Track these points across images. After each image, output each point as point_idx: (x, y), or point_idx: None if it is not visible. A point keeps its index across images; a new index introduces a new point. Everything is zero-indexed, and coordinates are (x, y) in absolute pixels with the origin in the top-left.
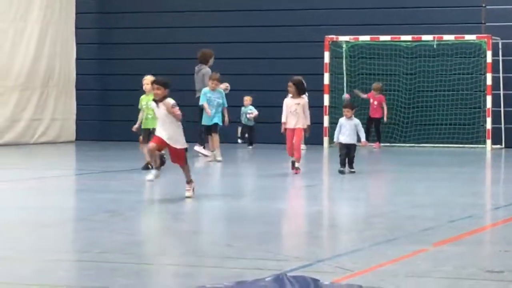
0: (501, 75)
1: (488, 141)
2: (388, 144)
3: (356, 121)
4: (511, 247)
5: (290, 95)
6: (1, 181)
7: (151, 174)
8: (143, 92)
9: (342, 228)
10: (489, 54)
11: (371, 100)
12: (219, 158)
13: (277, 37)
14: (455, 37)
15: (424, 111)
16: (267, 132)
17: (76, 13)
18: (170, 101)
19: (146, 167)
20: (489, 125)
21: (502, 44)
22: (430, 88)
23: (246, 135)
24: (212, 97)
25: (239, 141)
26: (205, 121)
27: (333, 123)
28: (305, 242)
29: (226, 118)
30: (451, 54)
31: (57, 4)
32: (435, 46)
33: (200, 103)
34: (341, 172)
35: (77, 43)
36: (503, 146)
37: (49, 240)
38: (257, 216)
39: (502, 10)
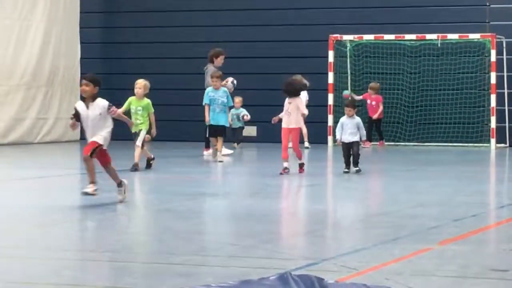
0: (505, 74)
1: (493, 140)
2: (392, 143)
3: (358, 119)
4: None
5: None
6: (6, 180)
7: (88, 188)
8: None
9: (347, 227)
10: (493, 53)
11: (369, 101)
12: (220, 159)
13: (281, 36)
14: (459, 36)
15: (428, 110)
16: (271, 132)
17: (81, 13)
18: (105, 103)
19: (135, 169)
20: (493, 124)
21: (506, 43)
22: (434, 87)
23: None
24: (215, 96)
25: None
26: (211, 121)
27: (337, 122)
28: (309, 241)
29: (230, 120)
30: (455, 53)
31: (62, 4)
32: (439, 45)
33: (203, 103)
34: (346, 172)
35: (81, 43)
36: (508, 145)
37: (54, 239)
38: (261, 215)
39: (506, 9)
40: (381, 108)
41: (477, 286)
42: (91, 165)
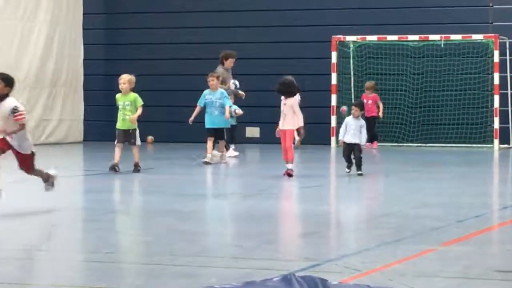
0: (508, 74)
1: (496, 141)
2: (396, 144)
3: (362, 122)
4: None
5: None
6: (9, 182)
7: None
8: (153, 93)
9: (350, 228)
10: (496, 53)
11: (365, 100)
12: (224, 160)
13: (284, 37)
14: (462, 37)
15: (431, 110)
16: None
17: (84, 14)
18: (12, 103)
19: (113, 168)
20: (496, 124)
21: (509, 43)
22: (438, 88)
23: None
24: (212, 99)
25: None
26: (208, 124)
27: (340, 123)
28: (313, 242)
29: (227, 114)
30: (458, 53)
31: (65, 5)
32: (442, 45)
33: (197, 103)
34: (348, 172)
35: (84, 44)
36: (511, 145)
37: (57, 240)
38: (264, 216)
39: (509, 9)
40: (381, 106)
41: (481, 287)
42: None
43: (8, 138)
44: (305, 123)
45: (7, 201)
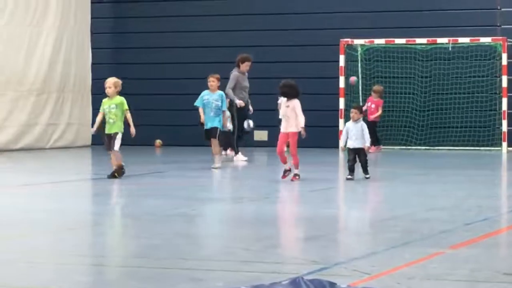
0: None
1: (504, 144)
2: (404, 147)
3: (363, 124)
4: None
5: (284, 98)
6: (18, 185)
7: None
8: (161, 97)
9: (358, 231)
10: (504, 56)
11: (369, 103)
12: (217, 165)
13: (292, 40)
14: (470, 40)
15: (439, 113)
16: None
17: (92, 18)
18: None
19: (113, 175)
20: (504, 127)
21: None
22: (446, 91)
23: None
24: (210, 100)
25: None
26: (205, 125)
27: None
28: (321, 245)
29: (225, 120)
30: (466, 56)
31: (73, 9)
32: (450, 48)
33: (195, 104)
34: (349, 179)
35: (92, 48)
36: None
37: (65, 244)
38: (272, 220)
39: None
40: (379, 112)
41: None
42: None
43: None
44: (313, 126)
45: (14, 205)
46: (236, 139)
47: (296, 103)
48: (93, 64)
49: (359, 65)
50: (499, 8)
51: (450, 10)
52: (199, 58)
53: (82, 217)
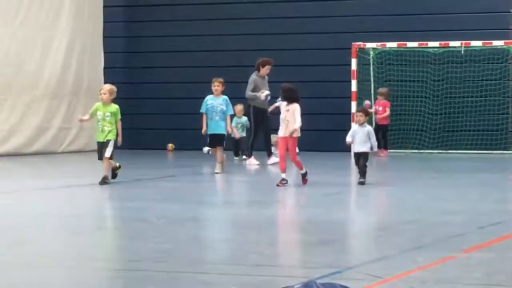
0: None
1: None
2: (416, 151)
3: (369, 128)
4: None
5: (284, 102)
6: (32, 189)
7: None
8: (173, 101)
9: (371, 235)
10: None
11: (377, 107)
12: (218, 171)
13: (304, 44)
14: (482, 43)
15: (451, 117)
16: None
17: (104, 22)
18: None
19: (104, 182)
20: None
21: None
22: (458, 94)
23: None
24: (214, 104)
25: (236, 158)
26: (209, 130)
27: None
28: (333, 249)
29: (228, 127)
30: (478, 60)
31: (85, 13)
32: (462, 52)
33: (200, 111)
34: (362, 183)
35: (105, 52)
36: None
37: (79, 248)
38: (284, 223)
39: None
40: (387, 113)
41: None
42: None
43: None
44: (325, 129)
45: (27, 209)
46: (252, 143)
47: (296, 107)
48: (105, 68)
49: (371, 68)
50: (511, 11)
51: (462, 13)
52: (212, 61)
53: (95, 221)
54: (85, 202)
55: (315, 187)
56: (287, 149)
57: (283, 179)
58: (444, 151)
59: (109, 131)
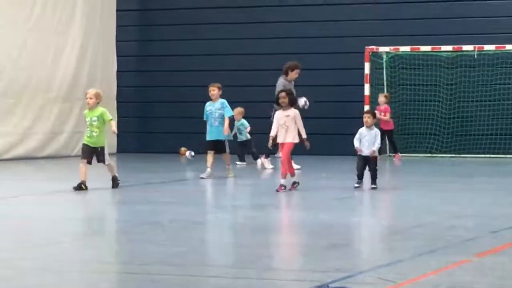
0: None
1: None
2: (429, 155)
3: (377, 131)
4: None
5: (275, 106)
6: (44, 193)
7: None
8: (186, 104)
9: (383, 239)
10: None
11: (378, 112)
12: (230, 175)
13: (316, 48)
14: (496, 47)
15: (465, 121)
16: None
17: (117, 26)
18: None
19: (80, 187)
20: None
21: None
22: (471, 99)
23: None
24: (212, 110)
25: (238, 163)
26: (208, 136)
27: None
28: (345, 253)
29: (225, 126)
30: (492, 64)
31: (98, 17)
32: (475, 56)
33: (204, 119)
34: (357, 187)
35: (117, 56)
36: None
37: (91, 252)
38: (296, 228)
39: None
40: (386, 117)
41: None
42: None
43: None
44: (338, 133)
45: (40, 213)
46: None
47: (296, 113)
48: (118, 71)
49: (384, 72)
50: None
51: (475, 17)
52: (225, 65)
53: (107, 225)
54: (97, 205)
55: (327, 191)
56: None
57: (282, 185)
58: (457, 155)
59: (98, 136)
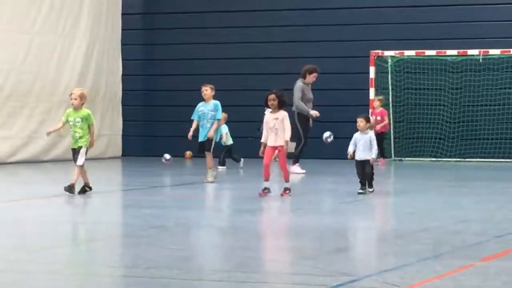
0: None
1: None
2: (434, 159)
3: (372, 135)
4: None
5: (269, 109)
6: (49, 196)
7: None
8: (191, 108)
9: (387, 243)
10: None
11: (374, 116)
12: (210, 179)
13: (322, 52)
14: (501, 51)
15: (470, 125)
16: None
17: (122, 29)
18: None
19: (70, 189)
20: None
21: None
22: (476, 103)
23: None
24: (205, 111)
25: (219, 168)
26: (200, 137)
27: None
28: (351, 257)
29: (212, 131)
30: (497, 68)
31: (103, 21)
32: (480, 60)
33: (191, 118)
34: (361, 193)
35: (123, 59)
36: None
37: (96, 255)
38: (302, 231)
39: None
40: (385, 121)
41: None
42: None
43: None
44: (343, 137)
45: (45, 216)
46: (300, 152)
47: (285, 115)
48: (123, 75)
49: (389, 76)
50: None
51: (480, 21)
52: (228, 69)
53: (112, 228)
54: (101, 209)
55: (332, 195)
56: (275, 159)
57: (265, 188)
58: (462, 160)
59: (80, 137)
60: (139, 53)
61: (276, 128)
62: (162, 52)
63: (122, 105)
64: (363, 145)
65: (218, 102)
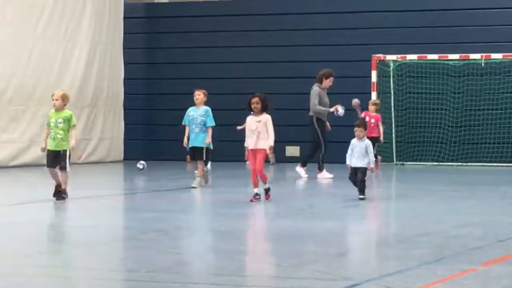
0: None
1: None
2: (436, 163)
3: (368, 142)
4: None
5: (252, 113)
6: (51, 200)
7: None
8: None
9: (389, 247)
10: None
11: (367, 118)
12: (195, 186)
13: (324, 56)
14: (503, 56)
15: (472, 129)
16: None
17: (124, 33)
18: None
19: (61, 197)
20: None
21: None
22: (478, 107)
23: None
24: (195, 116)
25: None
26: (190, 143)
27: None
28: (352, 261)
29: (208, 139)
30: (499, 72)
31: (106, 24)
32: (483, 64)
33: (182, 123)
34: (362, 199)
35: (125, 63)
36: None
37: (97, 259)
38: (303, 235)
39: None
40: (381, 127)
41: None
42: None
43: None
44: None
45: (47, 219)
46: (323, 156)
47: (268, 118)
48: (125, 79)
49: (391, 80)
50: None
51: (482, 26)
52: (230, 73)
53: (113, 232)
54: (102, 212)
55: (333, 199)
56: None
57: (256, 194)
58: (464, 164)
59: (62, 139)
60: (141, 57)
61: (259, 131)
62: (164, 56)
63: (124, 109)
64: (358, 151)
65: (209, 108)
